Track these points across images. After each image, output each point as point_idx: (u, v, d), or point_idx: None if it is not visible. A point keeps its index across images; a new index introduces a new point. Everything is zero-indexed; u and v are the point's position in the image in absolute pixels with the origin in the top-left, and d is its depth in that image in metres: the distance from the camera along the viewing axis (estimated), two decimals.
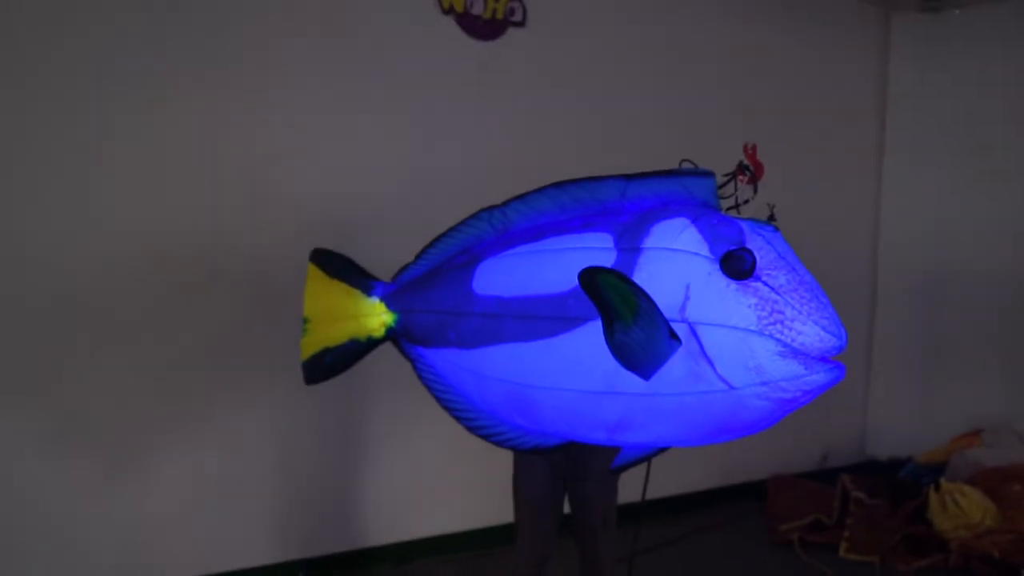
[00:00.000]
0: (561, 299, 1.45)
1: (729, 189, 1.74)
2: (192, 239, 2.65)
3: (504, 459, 3.22)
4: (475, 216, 1.65)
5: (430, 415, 3.02)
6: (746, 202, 1.78)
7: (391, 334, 1.73)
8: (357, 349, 1.73)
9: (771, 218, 1.76)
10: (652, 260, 1.39)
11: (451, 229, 1.69)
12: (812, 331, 1.32)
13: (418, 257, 1.73)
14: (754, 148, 1.82)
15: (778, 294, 1.33)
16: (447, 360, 1.64)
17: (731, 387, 1.34)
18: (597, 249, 1.45)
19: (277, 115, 2.77)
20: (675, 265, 1.38)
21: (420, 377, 1.72)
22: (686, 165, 1.61)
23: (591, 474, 2.06)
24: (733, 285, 1.34)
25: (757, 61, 3.84)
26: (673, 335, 1.34)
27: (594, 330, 1.41)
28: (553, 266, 1.48)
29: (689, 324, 1.35)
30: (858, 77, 4.34)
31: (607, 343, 1.34)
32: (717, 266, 1.36)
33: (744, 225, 1.40)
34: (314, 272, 1.75)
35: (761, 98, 3.81)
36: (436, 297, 1.64)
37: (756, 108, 3.76)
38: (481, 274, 1.58)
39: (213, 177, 2.69)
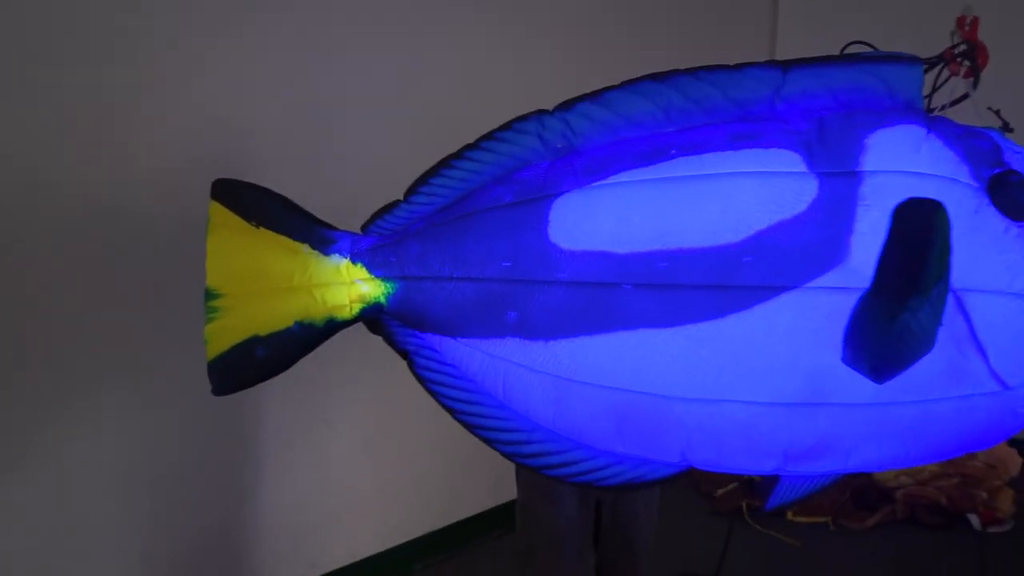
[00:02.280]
0: (729, 256, 0.90)
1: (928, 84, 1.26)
2: (11, 183, 1.73)
3: (443, 458, 2.66)
4: (511, 128, 1.01)
5: (341, 411, 2.41)
6: (957, 101, 1.29)
7: (372, 314, 1.06)
8: (307, 338, 1.04)
9: (1006, 127, 1.31)
10: (883, 191, 0.87)
11: (470, 148, 1.04)
12: None
13: (412, 192, 1.05)
14: (974, 23, 1.32)
15: None
16: (493, 357, 1.03)
17: (1006, 387, 0.87)
18: (781, 175, 0.91)
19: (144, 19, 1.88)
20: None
21: (424, 380, 1.08)
22: (857, 48, 1.08)
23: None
24: (1014, 229, 0.87)
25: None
26: None
27: (790, 306, 0.88)
28: (706, 203, 0.92)
29: (954, 293, 0.85)
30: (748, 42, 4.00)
31: (869, 324, 0.81)
32: (986, 199, 0.87)
33: (996, 137, 0.92)
34: (221, 216, 1.04)
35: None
36: (474, 254, 1.00)
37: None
38: (561, 216, 0.98)
39: (42, 95, 1.76)
